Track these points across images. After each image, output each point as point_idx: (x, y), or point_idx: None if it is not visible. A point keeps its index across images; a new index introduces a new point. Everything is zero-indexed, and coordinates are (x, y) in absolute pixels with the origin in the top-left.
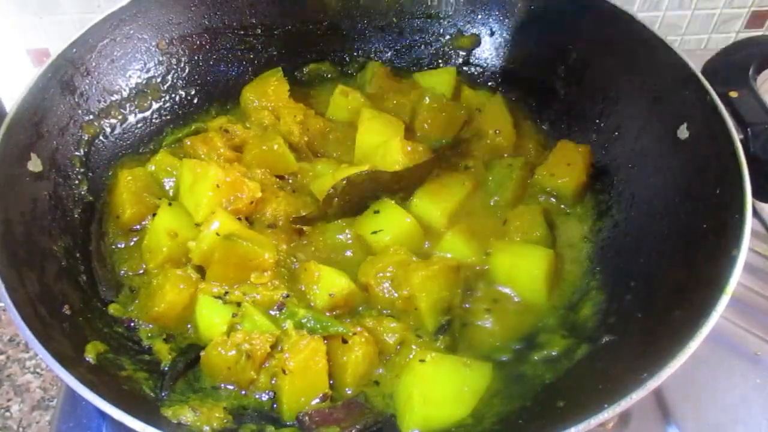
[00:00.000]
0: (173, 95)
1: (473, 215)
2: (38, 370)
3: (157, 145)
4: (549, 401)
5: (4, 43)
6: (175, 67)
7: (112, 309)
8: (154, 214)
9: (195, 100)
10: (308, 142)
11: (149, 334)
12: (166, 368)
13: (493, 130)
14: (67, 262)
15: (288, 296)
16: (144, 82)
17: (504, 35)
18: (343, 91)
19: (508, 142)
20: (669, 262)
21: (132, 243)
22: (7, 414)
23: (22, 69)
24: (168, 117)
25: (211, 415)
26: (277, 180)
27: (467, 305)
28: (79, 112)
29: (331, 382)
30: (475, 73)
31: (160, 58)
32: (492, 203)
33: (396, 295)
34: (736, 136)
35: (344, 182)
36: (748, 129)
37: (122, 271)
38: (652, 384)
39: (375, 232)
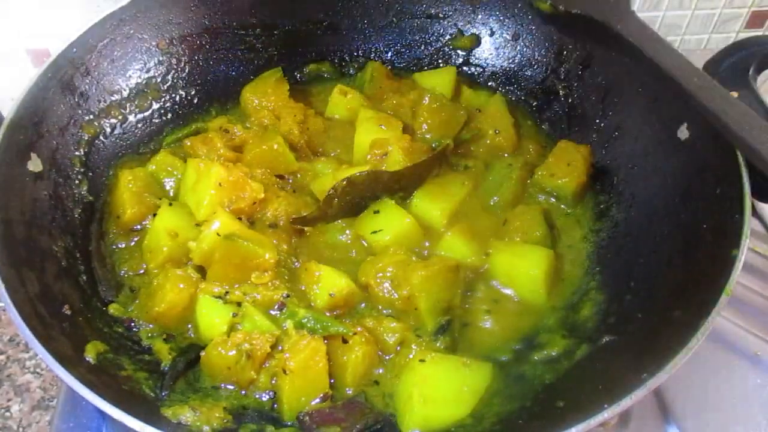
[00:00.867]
0: (173, 95)
1: (473, 215)
2: (38, 370)
3: (157, 145)
4: (549, 401)
5: (4, 43)
6: (175, 67)
7: (112, 309)
8: (154, 214)
9: (195, 100)
10: (308, 142)
11: (149, 334)
12: (166, 368)
13: (493, 130)
14: (67, 262)
15: (288, 296)
16: (144, 82)
17: (504, 35)
18: (341, 90)
19: (508, 142)
20: (669, 262)
21: (132, 243)
22: (7, 414)
23: (22, 69)
24: (168, 117)
25: (211, 415)
26: (278, 180)
27: (467, 305)
28: (79, 112)
29: (332, 381)
30: (475, 73)
31: (160, 58)
32: (492, 203)
33: (396, 295)
34: None
35: (344, 182)
36: None
37: (122, 271)
38: (652, 384)
39: (375, 232)
